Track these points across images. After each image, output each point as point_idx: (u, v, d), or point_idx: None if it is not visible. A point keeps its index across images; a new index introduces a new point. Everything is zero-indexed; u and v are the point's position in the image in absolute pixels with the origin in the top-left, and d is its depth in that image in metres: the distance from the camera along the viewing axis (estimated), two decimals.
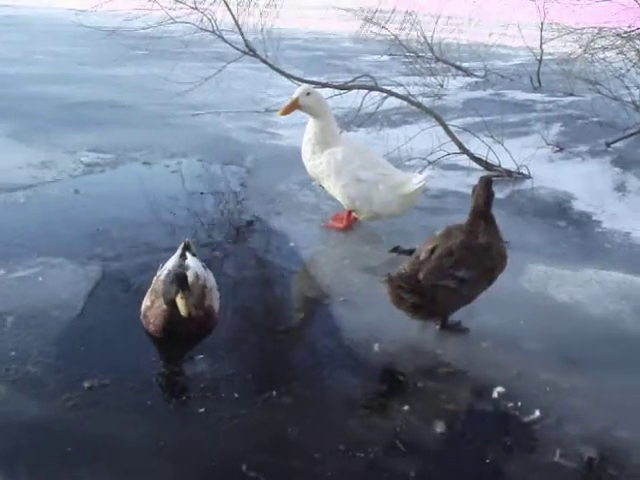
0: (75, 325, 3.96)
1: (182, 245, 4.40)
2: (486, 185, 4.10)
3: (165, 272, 4.04)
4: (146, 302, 3.98)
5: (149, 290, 4.07)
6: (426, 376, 3.70)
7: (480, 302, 4.06)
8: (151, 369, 3.63)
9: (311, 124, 5.72)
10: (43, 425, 3.14)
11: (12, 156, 7.01)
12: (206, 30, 8.12)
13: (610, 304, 4.65)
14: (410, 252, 4.20)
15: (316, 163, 5.69)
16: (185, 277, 3.78)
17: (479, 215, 4.09)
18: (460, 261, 3.89)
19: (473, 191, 4.16)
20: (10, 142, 7.59)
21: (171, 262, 4.23)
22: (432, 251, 3.93)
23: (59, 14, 19.28)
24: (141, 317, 3.96)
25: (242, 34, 8.28)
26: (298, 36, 18.36)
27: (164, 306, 3.79)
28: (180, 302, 3.67)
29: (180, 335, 3.82)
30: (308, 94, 5.62)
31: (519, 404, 3.51)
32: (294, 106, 5.68)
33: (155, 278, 4.14)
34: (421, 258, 3.93)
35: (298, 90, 5.69)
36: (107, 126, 8.61)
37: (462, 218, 4.44)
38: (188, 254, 4.31)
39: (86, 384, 3.42)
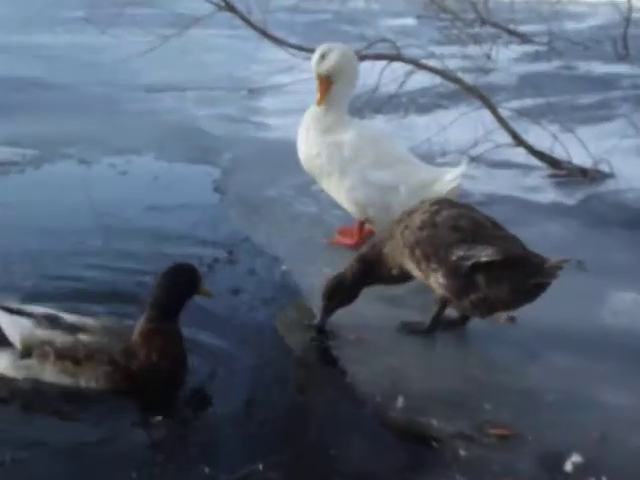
0: None
1: None
2: None
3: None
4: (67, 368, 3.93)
5: (48, 357, 3.95)
6: (471, 441, 3.66)
7: (545, 341, 4.04)
8: (89, 436, 3.61)
9: (311, 109, 5.68)
10: None
11: None
12: None
13: None
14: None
15: (312, 154, 5.62)
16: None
17: None
18: None
19: None
20: None
21: (7, 317, 4.09)
22: None
23: None
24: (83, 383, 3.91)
25: None
26: None
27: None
28: (204, 290, 4.13)
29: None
30: (322, 56, 5.50)
31: (603, 479, 3.48)
32: (328, 83, 5.53)
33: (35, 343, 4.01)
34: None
35: (313, 58, 5.57)
36: (29, 112, 8.64)
37: (517, 231, 4.45)
38: (18, 306, 4.23)
39: None
